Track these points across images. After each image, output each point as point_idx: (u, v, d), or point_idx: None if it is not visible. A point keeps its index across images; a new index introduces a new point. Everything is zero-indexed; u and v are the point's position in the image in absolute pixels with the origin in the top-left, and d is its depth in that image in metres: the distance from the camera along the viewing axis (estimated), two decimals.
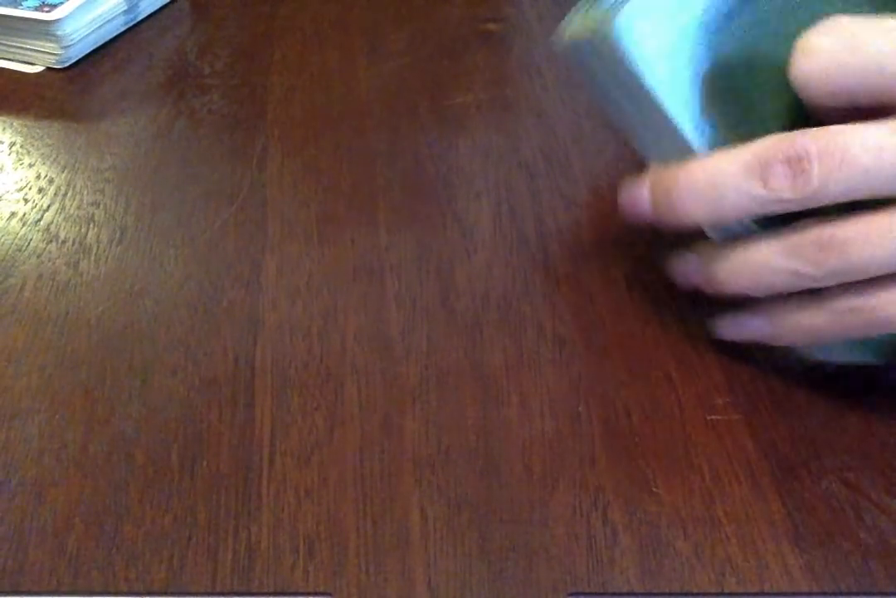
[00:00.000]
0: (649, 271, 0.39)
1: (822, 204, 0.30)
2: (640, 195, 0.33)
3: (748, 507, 0.31)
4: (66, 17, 0.54)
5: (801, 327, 0.33)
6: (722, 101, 0.32)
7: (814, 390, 0.35)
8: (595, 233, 0.42)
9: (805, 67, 0.30)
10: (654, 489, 0.32)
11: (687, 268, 0.35)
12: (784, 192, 0.29)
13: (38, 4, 0.55)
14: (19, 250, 0.41)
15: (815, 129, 0.30)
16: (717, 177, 0.31)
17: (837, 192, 0.29)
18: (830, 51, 0.29)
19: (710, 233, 0.33)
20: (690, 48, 0.32)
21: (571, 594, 0.29)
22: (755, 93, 0.33)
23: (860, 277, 0.30)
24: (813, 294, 0.32)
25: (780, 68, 0.31)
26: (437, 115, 0.50)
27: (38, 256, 0.41)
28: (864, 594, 0.29)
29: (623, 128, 0.34)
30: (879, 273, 0.30)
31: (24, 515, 0.31)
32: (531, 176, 0.46)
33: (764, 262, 0.31)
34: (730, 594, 0.29)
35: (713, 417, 0.34)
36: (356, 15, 0.60)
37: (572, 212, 0.43)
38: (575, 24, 0.32)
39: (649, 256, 0.41)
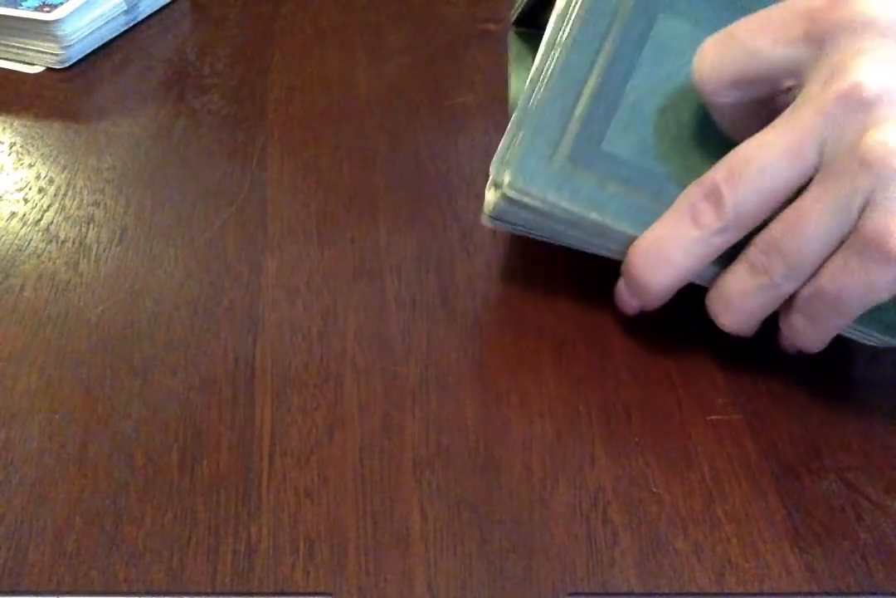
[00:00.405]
0: None
1: (753, 221, 0.32)
2: (619, 291, 0.36)
3: (748, 507, 0.31)
4: (66, 17, 0.54)
5: (796, 331, 0.34)
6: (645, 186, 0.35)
7: (814, 390, 0.35)
8: None
9: (697, 67, 0.33)
10: (654, 489, 0.32)
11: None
12: (712, 223, 0.32)
13: (38, 4, 0.55)
14: (19, 250, 0.41)
15: (719, 161, 0.32)
16: (661, 240, 0.33)
17: (755, 204, 0.31)
18: (713, 46, 0.33)
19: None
20: (587, 164, 0.35)
21: (571, 594, 0.29)
22: (668, 165, 0.36)
23: (810, 269, 0.31)
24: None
25: (683, 128, 0.36)
26: (437, 115, 0.50)
27: (38, 256, 0.41)
28: (864, 594, 0.29)
29: (580, 247, 0.36)
30: (817, 257, 0.31)
31: (24, 515, 0.31)
32: None
33: (740, 290, 0.33)
34: (730, 594, 0.29)
35: (713, 417, 0.34)
36: (356, 15, 0.61)
37: None
38: (488, 200, 0.36)
39: None
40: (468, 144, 0.48)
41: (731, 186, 0.31)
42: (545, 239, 0.36)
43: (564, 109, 0.35)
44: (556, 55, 0.36)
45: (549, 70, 0.36)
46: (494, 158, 0.35)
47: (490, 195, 0.36)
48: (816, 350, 0.34)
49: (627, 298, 0.36)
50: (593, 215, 0.35)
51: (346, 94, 0.52)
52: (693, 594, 0.29)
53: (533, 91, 0.36)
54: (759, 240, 0.32)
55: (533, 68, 0.36)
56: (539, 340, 0.37)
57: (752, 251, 0.32)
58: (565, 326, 0.38)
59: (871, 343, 0.34)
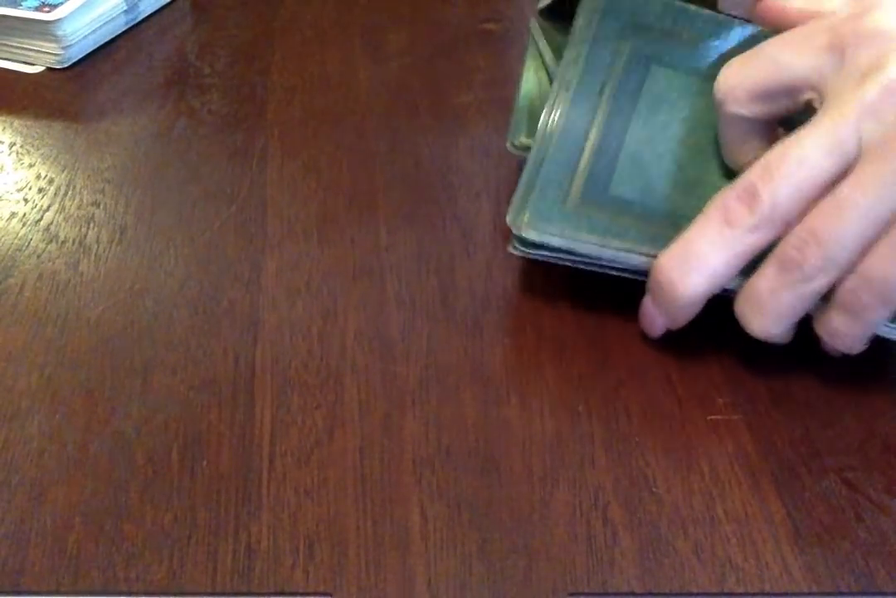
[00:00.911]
0: None
1: (790, 215, 0.31)
2: (645, 308, 0.36)
3: (748, 507, 0.31)
4: (66, 17, 0.54)
5: (836, 331, 0.33)
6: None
7: (814, 390, 0.35)
8: None
9: (721, 80, 0.35)
10: (654, 489, 0.32)
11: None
12: (746, 220, 0.32)
13: (38, 4, 0.55)
14: (19, 250, 0.41)
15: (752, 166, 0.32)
16: (691, 243, 0.33)
17: (792, 197, 0.31)
18: (740, 60, 0.35)
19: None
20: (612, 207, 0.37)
21: (571, 594, 0.29)
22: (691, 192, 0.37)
23: (848, 259, 0.31)
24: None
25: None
26: (437, 115, 0.50)
27: (38, 256, 0.41)
28: (864, 594, 0.29)
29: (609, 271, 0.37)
30: (856, 245, 0.30)
31: (24, 515, 0.31)
32: None
33: (769, 289, 0.32)
34: (730, 594, 0.29)
35: (713, 417, 0.34)
36: (356, 15, 0.61)
37: None
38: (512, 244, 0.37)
39: None
40: (468, 144, 0.48)
41: (766, 180, 0.31)
42: (575, 265, 0.37)
43: (570, 164, 0.37)
44: (558, 112, 0.38)
45: (552, 126, 0.38)
46: (509, 210, 0.36)
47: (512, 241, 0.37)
48: (859, 350, 0.34)
49: (652, 315, 0.36)
50: (615, 243, 0.36)
51: (346, 94, 0.52)
52: (693, 594, 0.29)
53: (538, 149, 0.38)
54: (792, 236, 0.31)
55: (539, 123, 0.38)
56: (539, 340, 0.37)
57: (782, 248, 0.32)
58: (565, 326, 0.38)
59: None
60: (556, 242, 0.36)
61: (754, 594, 0.29)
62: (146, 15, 0.60)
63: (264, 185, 0.45)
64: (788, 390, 0.35)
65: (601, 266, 0.36)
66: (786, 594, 0.29)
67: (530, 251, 0.36)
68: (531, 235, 0.36)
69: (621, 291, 0.39)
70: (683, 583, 0.29)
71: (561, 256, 0.36)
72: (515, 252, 0.37)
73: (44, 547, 0.30)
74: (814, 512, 0.31)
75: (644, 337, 0.37)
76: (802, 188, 0.31)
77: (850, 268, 0.31)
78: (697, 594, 0.29)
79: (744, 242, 0.32)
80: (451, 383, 0.35)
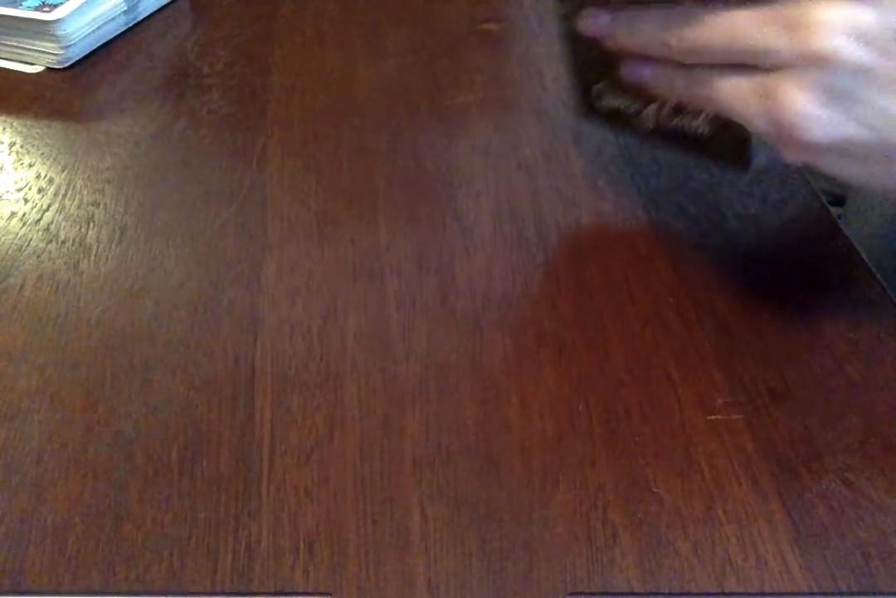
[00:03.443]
0: (649, 271, 0.39)
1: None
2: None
3: (748, 507, 0.31)
4: (66, 17, 0.54)
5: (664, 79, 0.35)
6: None
7: (814, 390, 0.35)
8: (595, 233, 0.42)
9: None
10: (654, 489, 0.32)
11: (596, 20, 0.37)
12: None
13: (38, 4, 0.55)
14: (19, 250, 0.41)
15: None
16: None
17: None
18: None
19: None
20: None
21: (571, 594, 0.29)
22: None
23: (712, 60, 0.33)
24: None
25: None
26: (437, 115, 0.50)
27: (38, 256, 0.41)
28: (864, 594, 0.29)
29: None
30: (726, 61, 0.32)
31: (24, 515, 0.31)
32: (531, 176, 0.46)
33: (647, 32, 0.34)
34: (730, 594, 0.29)
35: (713, 417, 0.34)
36: (356, 15, 0.60)
37: (572, 212, 0.43)
38: None
39: (649, 256, 0.41)
40: (468, 144, 0.48)
41: None
42: None
43: None
44: None
45: None
46: None
47: None
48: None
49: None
50: None
51: (346, 94, 0.52)
52: (693, 594, 0.29)
53: None
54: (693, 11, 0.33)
55: None
56: (539, 340, 0.37)
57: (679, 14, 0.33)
58: (565, 326, 0.38)
59: None
60: None
61: (754, 594, 0.29)
62: (146, 15, 0.60)
63: (264, 185, 0.45)
64: (788, 390, 0.35)
65: None
66: (786, 593, 0.29)
67: None
68: None
69: (622, 292, 0.39)
70: (683, 583, 0.29)
71: None
72: None
73: (44, 547, 0.30)
74: (814, 512, 0.31)
75: (644, 337, 0.37)
76: None
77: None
78: (697, 594, 0.29)
79: None
80: (451, 383, 0.35)
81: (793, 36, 0.31)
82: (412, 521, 0.31)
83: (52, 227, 0.43)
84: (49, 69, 0.55)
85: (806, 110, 0.31)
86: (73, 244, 0.42)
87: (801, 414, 0.34)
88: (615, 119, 0.41)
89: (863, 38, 0.30)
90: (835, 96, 0.30)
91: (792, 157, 0.33)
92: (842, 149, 0.32)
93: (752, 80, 0.32)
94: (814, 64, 0.30)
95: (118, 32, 0.58)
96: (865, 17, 0.30)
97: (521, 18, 0.60)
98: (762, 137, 0.33)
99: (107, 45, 0.57)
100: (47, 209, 0.44)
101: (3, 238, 0.42)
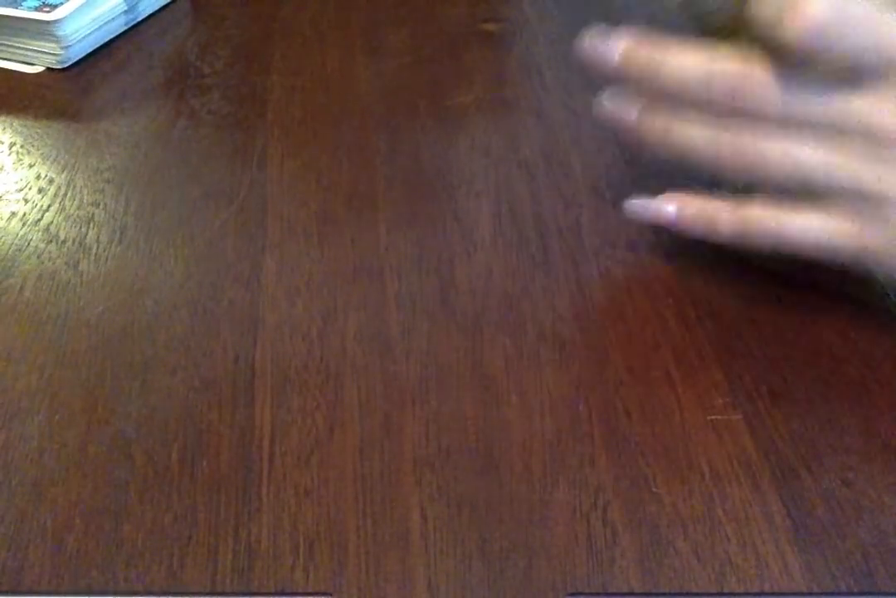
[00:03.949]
0: (649, 271, 0.39)
1: None
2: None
3: (748, 507, 0.31)
4: (66, 17, 0.54)
5: (704, 219, 0.35)
6: None
7: (814, 390, 0.35)
8: (595, 233, 0.42)
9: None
10: (654, 489, 0.32)
11: (623, 109, 0.36)
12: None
13: (38, 4, 0.55)
14: (19, 250, 0.41)
15: None
16: None
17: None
18: None
19: None
20: None
21: (571, 594, 0.29)
22: None
23: (776, 182, 0.33)
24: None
25: None
26: (437, 115, 0.50)
27: (38, 256, 0.41)
28: (864, 594, 0.29)
29: None
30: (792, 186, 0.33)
31: (24, 515, 0.31)
32: (531, 176, 0.46)
33: (690, 139, 0.34)
34: (730, 594, 0.29)
35: (713, 417, 0.34)
36: (356, 15, 0.60)
37: (572, 212, 0.43)
38: None
39: (649, 256, 0.41)
40: (468, 144, 0.48)
41: None
42: None
43: None
44: None
45: None
46: None
47: None
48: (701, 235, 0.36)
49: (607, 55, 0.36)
50: None
51: (346, 94, 0.52)
52: (693, 594, 0.29)
53: None
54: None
55: None
56: (539, 340, 0.37)
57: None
58: (565, 326, 0.38)
59: None
60: None
61: (754, 594, 0.29)
62: (146, 15, 0.60)
63: (264, 185, 0.45)
64: (788, 390, 0.35)
65: None
66: (786, 593, 0.29)
67: None
68: None
69: (622, 292, 0.39)
70: (683, 583, 0.29)
71: None
72: None
73: (44, 547, 0.30)
74: (814, 512, 0.31)
75: (644, 337, 0.37)
76: None
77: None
78: (697, 594, 0.29)
79: None
80: (451, 383, 0.35)
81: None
82: (412, 521, 0.31)
83: (52, 227, 0.43)
84: (49, 69, 0.55)
85: None
86: (73, 244, 0.42)
87: (801, 414, 0.34)
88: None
89: None
90: None
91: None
92: None
93: (837, 217, 0.32)
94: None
95: (118, 32, 0.58)
96: None
97: (521, 18, 0.60)
98: None
99: (107, 45, 0.57)
100: (47, 209, 0.44)
101: (3, 238, 0.42)
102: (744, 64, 0.32)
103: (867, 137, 0.31)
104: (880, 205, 0.32)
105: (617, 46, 0.35)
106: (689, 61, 0.33)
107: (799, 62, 0.31)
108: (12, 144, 0.49)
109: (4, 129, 0.50)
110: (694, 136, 0.34)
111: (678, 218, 0.36)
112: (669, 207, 0.36)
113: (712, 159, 0.34)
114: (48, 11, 0.54)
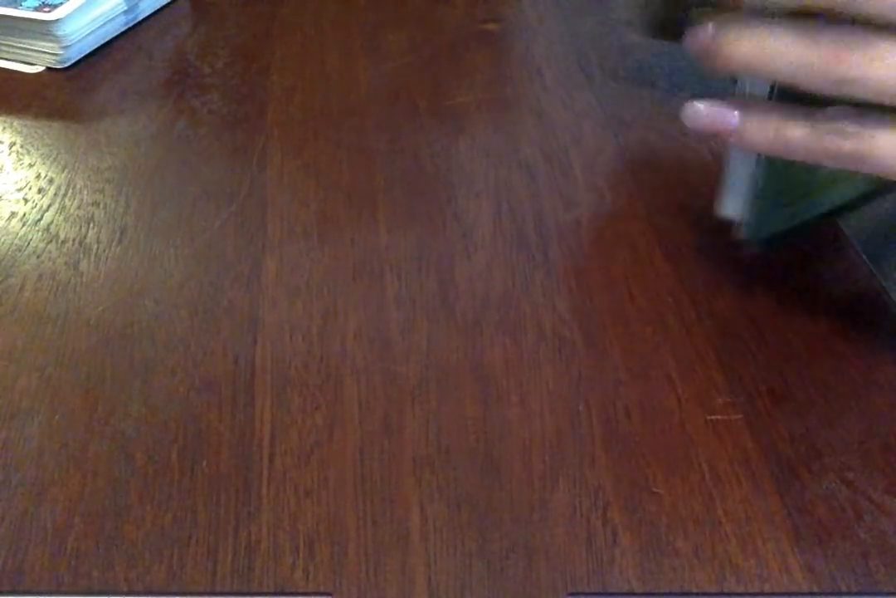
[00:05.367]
0: (649, 271, 0.39)
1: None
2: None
3: (748, 507, 0.31)
4: (66, 17, 0.54)
5: (771, 129, 0.31)
6: None
7: (814, 390, 0.35)
8: (595, 233, 0.42)
9: None
10: (654, 489, 0.32)
11: (702, 35, 0.31)
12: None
13: (38, 4, 0.55)
14: (19, 250, 0.41)
15: None
16: None
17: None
18: None
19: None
20: None
21: (571, 594, 0.29)
22: None
23: (866, 98, 0.28)
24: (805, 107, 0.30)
25: None
26: (437, 115, 0.50)
27: (38, 256, 0.41)
28: (864, 594, 0.29)
29: None
30: (886, 102, 0.28)
31: (24, 515, 0.31)
32: (531, 176, 0.46)
33: (780, 47, 0.29)
34: (730, 594, 0.29)
35: (713, 417, 0.34)
36: (356, 15, 0.60)
37: (572, 212, 0.43)
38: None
39: (649, 256, 0.41)
40: (468, 144, 0.48)
41: None
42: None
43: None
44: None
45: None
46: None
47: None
48: (761, 151, 0.33)
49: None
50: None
51: (346, 94, 0.52)
52: (693, 594, 0.29)
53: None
54: (850, 36, 0.28)
55: None
56: (539, 340, 0.37)
57: (828, 35, 0.28)
58: (565, 326, 0.38)
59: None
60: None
61: (754, 594, 0.29)
62: (146, 15, 0.60)
63: (264, 185, 0.45)
64: (788, 390, 0.35)
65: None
66: (786, 594, 0.29)
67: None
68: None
69: (622, 292, 0.39)
70: (683, 583, 0.29)
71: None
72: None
73: (44, 547, 0.30)
74: (814, 512, 0.31)
75: (644, 337, 0.37)
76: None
77: (857, 113, 0.30)
78: (697, 594, 0.29)
79: None
80: (451, 383, 0.35)
81: None
82: (412, 521, 0.31)
83: (52, 227, 0.43)
84: (49, 69, 0.55)
85: None
86: (73, 244, 0.42)
87: (801, 414, 0.34)
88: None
89: None
90: None
91: None
92: None
93: None
94: None
95: (118, 32, 0.58)
96: None
97: (521, 18, 0.60)
98: None
99: (107, 45, 0.57)
100: (47, 209, 0.44)
101: (3, 238, 0.42)
102: None
103: None
104: None
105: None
106: None
107: None
108: (12, 144, 0.49)
109: (4, 129, 0.50)
110: (785, 39, 0.29)
111: (742, 125, 0.31)
112: (733, 111, 0.31)
113: (807, 62, 0.29)
114: (48, 11, 0.54)
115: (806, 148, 0.30)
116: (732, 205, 0.36)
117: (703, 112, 0.32)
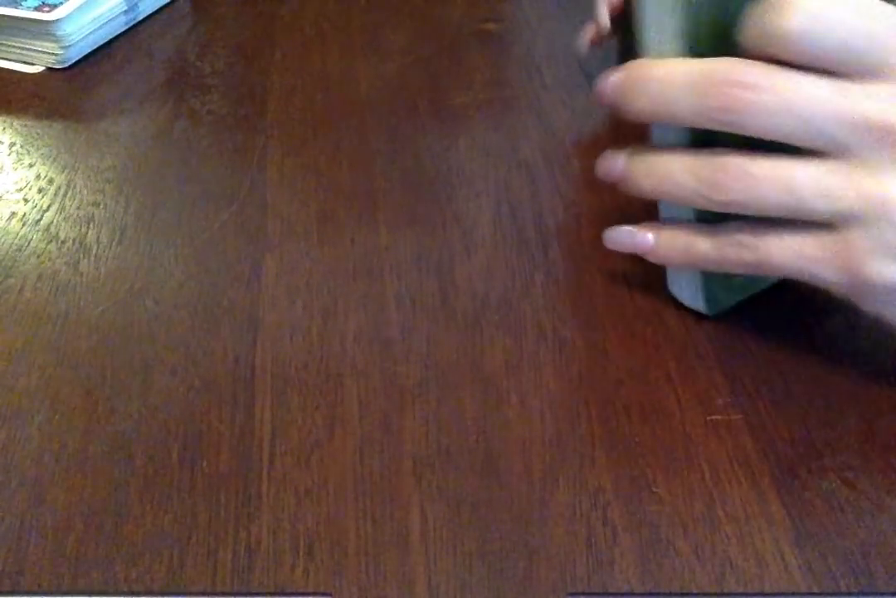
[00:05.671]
0: (649, 271, 0.39)
1: (747, 132, 0.30)
2: (608, 82, 0.34)
3: (748, 507, 0.31)
4: (66, 17, 0.54)
5: (681, 247, 0.34)
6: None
7: (814, 390, 0.35)
8: (595, 233, 0.42)
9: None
10: (654, 489, 0.32)
11: (612, 164, 0.35)
12: (721, 113, 0.30)
13: (38, 4, 0.55)
14: (19, 250, 0.41)
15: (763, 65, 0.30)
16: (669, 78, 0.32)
17: (760, 125, 0.30)
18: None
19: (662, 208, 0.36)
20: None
21: (571, 594, 0.29)
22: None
23: (757, 213, 0.31)
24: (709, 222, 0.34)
25: None
26: (437, 115, 0.50)
27: (38, 256, 0.41)
28: (864, 594, 0.29)
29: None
30: (777, 215, 0.31)
31: (24, 515, 0.31)
32: (531, 176, 0.46)
33: (672, 175, 0.32)
34: (730, 594, 0.29)
35: (713, 417, 0.34)
36: (356, 15, 0.60)
37: (572, 212, 0.43)
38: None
39: None
40: (468, 144, 0.48)
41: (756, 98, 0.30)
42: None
43: None
44: None
45: None
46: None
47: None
48: (676, 265, 0.36)
49: (607, 93, 0.34)
50: None
51: (346, 94, 0.52)
52: (693, 594, 0.29)
53: None
54: (733, 161, 0.31)
55: None
56: (539, 340, 0.37)
57: (713, 162, 0.31)
58: (565, 326, 0.38)
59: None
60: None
61: (754, 594, 0.29)
62: (146, 15, 0.60)
63: (264, 185, 0.45)
64: (788, 390, 0.35)
65: None
66: (786, 594, 0.29)
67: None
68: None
69: (622, 292, 0.39)
70: (683, 583, 0.29)
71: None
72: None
73: (44, 547, 0.30)
74: (814, 512, 0.31)
75: (644, 337, 0.37)
76: (779, 127, 0.30)
77: (753, 224, 0.32)
78: (697, 594, 0.29)
79: (706, 119, 0.31)
80: (451, 383, 0.35)
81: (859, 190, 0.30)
82: (412, 521, 0.31)
83: (52, 227, 0.43)
84: (49, 69, 0.55)
85: (888, 276, 0.30)
86: (73, 244, 0.42)
87: (801, 414, 0.34)
88: None
89: None
90: None
91: (869, 308, 0.33)
92: None
93: (818, 240, 0.31)
94: (881, 215, 0.29)
95: (118, 32, 0.58)
96: None
97: (521, 18, 0.60)
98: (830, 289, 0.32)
99: (107, 45, 0.57)
100: (47, 209, 0.44)
101: (3, 238, 0.42)
102: (733, 63, 0.31)
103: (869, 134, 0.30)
104: (871, 222, 0.30)
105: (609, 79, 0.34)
106: (679, 70, 0.32)
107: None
108: (12, 144, 0.49)
109: (4, 129, 0.50)
110: (675, 168, 0.33)
111: (655, 245, 0.35)
112: (648, 235, 0.35)
113: (695, 190, 0.32)
114: (48, 11, 0.54)
115: (713, 260, 0.34)
116: (686, 287, 0.37)
117: (623, 236, 0.37)
